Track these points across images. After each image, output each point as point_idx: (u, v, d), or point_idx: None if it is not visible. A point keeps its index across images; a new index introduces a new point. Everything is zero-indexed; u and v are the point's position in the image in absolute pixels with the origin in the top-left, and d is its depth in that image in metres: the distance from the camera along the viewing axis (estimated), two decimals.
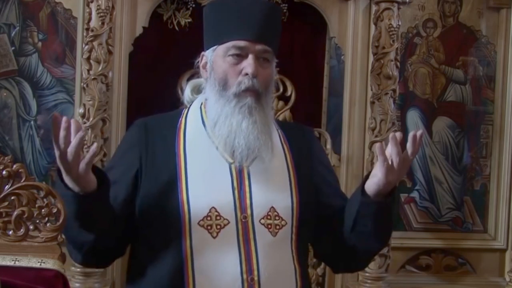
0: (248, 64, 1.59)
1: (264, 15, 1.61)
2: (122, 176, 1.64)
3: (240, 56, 1.60)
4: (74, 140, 1.41)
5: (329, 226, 1.70)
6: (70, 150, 1.41)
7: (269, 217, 1.59)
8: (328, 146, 3.09)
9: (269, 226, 1.58)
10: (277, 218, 1.60)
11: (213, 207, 1.57)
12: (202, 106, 1.71)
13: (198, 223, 1.55)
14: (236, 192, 1.59)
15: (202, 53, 1.71)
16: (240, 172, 1.60)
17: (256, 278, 1.54)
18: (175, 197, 1.58)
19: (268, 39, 1.63)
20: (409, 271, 3.29)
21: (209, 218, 1.56)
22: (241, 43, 1.59)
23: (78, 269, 2.76)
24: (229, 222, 1.56)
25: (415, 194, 3.30)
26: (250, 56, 1.59)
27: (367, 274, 2.98)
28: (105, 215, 1.55)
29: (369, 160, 2.99)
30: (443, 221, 3.32)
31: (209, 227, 1.55)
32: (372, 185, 1.55)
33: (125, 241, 1.68)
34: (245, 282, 1.53)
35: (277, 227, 1.59)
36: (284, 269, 1.60)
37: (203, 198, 1.58)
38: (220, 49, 1.62)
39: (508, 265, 3.27)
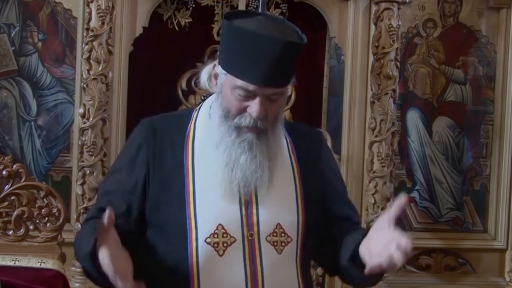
0: (254, 106, 1.54)
1: (280, 58, 1.52)
2: (134, 187, 1.62)
3: (247, 96, 1.54)
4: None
5: (328, 232, 1.70)
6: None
7: (275, 234, 1.58)
8: (328, 146, 3.08)
9: (275, 244, 1.58)
10: (283, 235, 1.59)
11: (220, 224, 1.56)
12: (212, 110, 1.66)
13: (205, 240, 1.54)
14: (243, 208, 1.58)
15: (215, 63, 1.64)
16: (248, 192, 1.59)
17: None
18: (183, 212, 1.56)
19: (280, 81, 1.56)
20: (409, 271, 3.29)
21: (216, 236, 1.55)
22: (250, 87, 1.52)
23: (78, 269, 2.76)
24: (235, 240, 1.55)
25: (415, 194, 3.30)
26: (257, 99, 1.53)
27: None
28: None
29: (369, 160, 2.99)
30: (443, 221, 3.32)
31: (216, 245, 1.54)
32: (364, 257, 1.50)
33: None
34: None
35: (283, 244, 1.58)
36: (289, 285, 1.60)
37: (210, 214, 1.57)
38: (230, 79, 1.55)
39: (508, 265, 3.27)
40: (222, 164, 1.57)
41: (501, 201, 3.33)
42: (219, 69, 1.61)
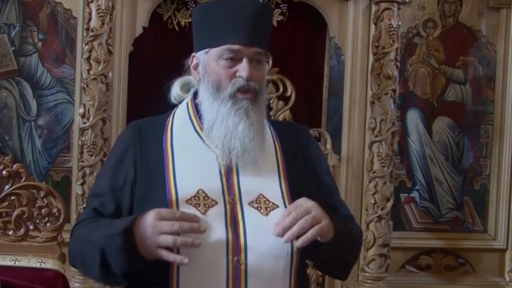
0: (242, 68, 1.60)
1: (256, 17, 1.62)
2: (122, 185, 1.65)
3: (234, 59, 1.61)
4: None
5: None
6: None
7: (258, 201, 1.58)
8: (328, 146, 3.09)
9: (259, 208, 1.57)
10: (267, 202, 1.58)
11: (201, 189, 1.57)
12: (189, 101, 1.73)
13: (186, 202, 1.55)
14: (224, 179, 1.59)
15: (193, 54, 1.72)
16: (227, 164, 1.61)
17: (242, 260, 1.51)
18: (162, 184, 1.58)
19: (261, 41, 1.64)
20: (409, 271, 3.29)
21: (197, 198, 1.56)
22: (235, 46, 1.59)
23: None
24: (217, 203, 1.56)
25: (415, 194, 3.30)
26: (244, 60, 1.60)
27: (367, 274, 2.98)
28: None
29: (369, 160, 2.99)
30: (443, 221, 3.32)
31: (197, 205, 1.54)
32: None
33: None
34: (230, 263, 1.51)
35: (268, 209, 1.57)
36: (277, 248, 1.54)
37: (191, 181, 1.58)
38: (213, 52, 1.63)
39: (508, 265, 3.27)
40: (221, 137, 1.60)
41: (501, 201, 3.33)
42: (197, 56, 1.68)
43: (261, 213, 1.56)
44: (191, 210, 1.51)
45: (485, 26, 3.30)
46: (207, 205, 1.55)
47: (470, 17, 3.29)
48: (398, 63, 2.98)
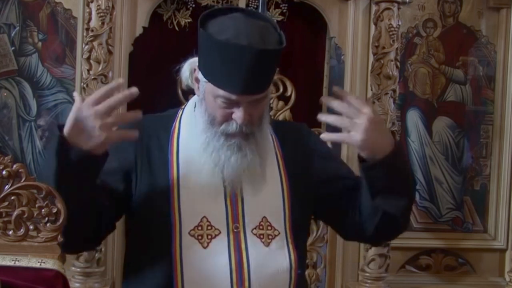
0: (238, 114, 1.55)
1: (258, 65, 1.50)
2: (119, 167, 1.62)
3: (231, 103, 1.55)
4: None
5: (343, 210, 1.69)
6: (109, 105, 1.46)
7: (261, 227, 1.59)
8: (328, 146, 3.08)
9: (261, 236, 1.58)
10: (269, 228, 1.59)
11: (204, 217, 1.56)
12: (196, 111, 1.69)
13: (189, 233, 1.55)
14: (228, 200, 1.59)
15: (195, 68, 1.65)
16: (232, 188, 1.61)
17: None
18: (167, 205, 1.57)
19: (262, 87, 1.57)
20: (409, 271, 3.29)
21: (200, 228, 1.56)
22: (232, 96, 1.53)
23: (78, 269, 2.76)
24: (220, 232, 1.56)
25: None
26: (241, 107, 1.55)
27: (367, 274, 2.98)
28: (91, 186, 1.51)
29: None
30: (443, 221, 3.32)
31: (200, 237, 1.55)
32: (361, 152, 1.57)
33: (100, 233, 1.65)
34: None
35: (270, 237, 1.59)
36: (278, 279, 1.59)
37: (195, 207, 1.57)
38: (211, 87, 1.56)
39: (508, 265, 3.26)
40: (211, 164, 1.59)
41: (501, 201, 3.32)
42: (199, 75, 1.61)
43: (263, 242, 1.57)
44: (193, 244, 1.54)
45: (485, 26, 3.30)
46: (210, 236, 1.55)
47: (470, 17, 3.29)
48: (398, 63, 2.98)
